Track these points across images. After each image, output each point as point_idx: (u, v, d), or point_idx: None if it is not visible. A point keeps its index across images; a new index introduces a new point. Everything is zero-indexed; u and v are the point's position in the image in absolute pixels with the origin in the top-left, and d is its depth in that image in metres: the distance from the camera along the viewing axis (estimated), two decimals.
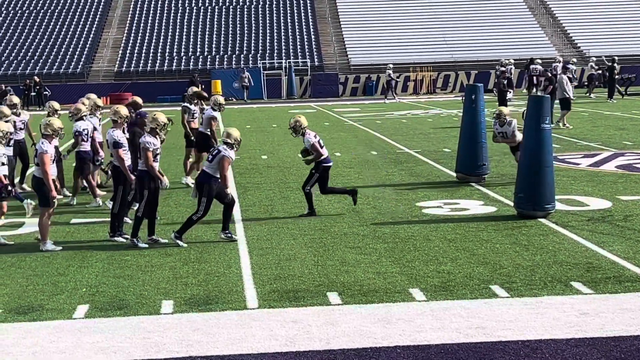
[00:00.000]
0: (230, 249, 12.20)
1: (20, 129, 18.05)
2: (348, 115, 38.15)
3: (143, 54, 59.44)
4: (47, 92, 51.22)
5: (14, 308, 9.68)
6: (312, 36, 61.26)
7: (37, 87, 50.20)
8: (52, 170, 12.61)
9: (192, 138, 18.29)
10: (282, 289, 10.11)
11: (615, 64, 42.30)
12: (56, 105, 17.44)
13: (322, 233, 13.13)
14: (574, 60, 45.97)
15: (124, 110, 13.42)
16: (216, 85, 53.97)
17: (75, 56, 59.06)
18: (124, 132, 13.83)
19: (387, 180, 18.28)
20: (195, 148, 18.19)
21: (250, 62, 57.95)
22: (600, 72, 46.40)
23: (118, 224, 13.01)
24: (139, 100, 17.07)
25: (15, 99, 18.63)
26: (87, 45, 60.38)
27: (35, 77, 51.92)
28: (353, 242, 12.47)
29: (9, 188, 12.81)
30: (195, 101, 18.89)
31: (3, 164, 12.79)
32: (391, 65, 51.04)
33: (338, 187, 15.65)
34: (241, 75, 53.68)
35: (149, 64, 58.15)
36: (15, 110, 17.99)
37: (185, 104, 18.68)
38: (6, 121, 15.53)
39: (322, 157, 14.57)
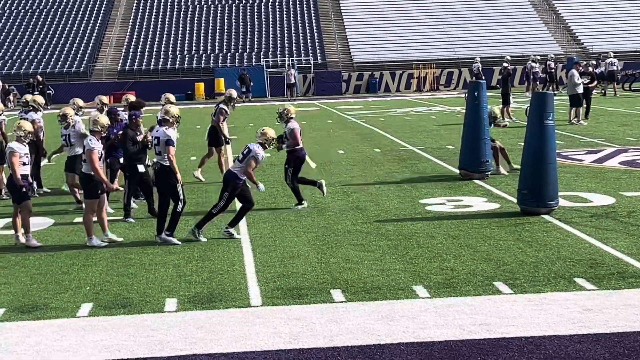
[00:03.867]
0: (234, 247, 12.21)
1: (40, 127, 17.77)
2: (351, 112, 38.15)
3: (146, 53, 59.48)
4: (50, 91, 51.22)
5: (18, 307, 9.69)
6: (315, 34, 61.25)
7: (40, 86, 50.21)
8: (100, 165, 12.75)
9: (227, 139, 18.59)
10: (286, 286, 10.11)
11: None
12: (80, 102, 17.47)
13: (325, 230, 13.14)
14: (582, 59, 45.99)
15: (174, 110, 13.24)
16: (219, 84, 53.98)
17: (79, 55, 59.10)
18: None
19: (390, 178, 18.27)
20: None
21: (254, 60, 57.96)
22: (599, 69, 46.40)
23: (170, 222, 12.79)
24: (131, 97, 17.18)
25: (40, 99, 18.27)
26: (90, 44, 60.43)
27: (39, 76, 51.95)
28: (356, 239, 12.47)
29: (30, 189, 12.88)
30: (232, 104, 18.61)
31: (24, 163, 12.81)
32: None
33: (308, 178, 15.52)
34: (287, 72, 52.59)
35: (152, 63, 58.17)
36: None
37: (223, 106, 18.35)
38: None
39: (298, 147, 15.02)
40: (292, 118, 15.34)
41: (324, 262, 11.20)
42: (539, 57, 48.51)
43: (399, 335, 8.27)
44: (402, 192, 16.43)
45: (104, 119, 13.06)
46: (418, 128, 29.24)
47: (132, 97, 17.43)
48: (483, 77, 50.49)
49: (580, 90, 28.45)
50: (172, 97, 17.54)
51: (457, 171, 18.12)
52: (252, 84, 52.53)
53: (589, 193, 15.57)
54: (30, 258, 12.02)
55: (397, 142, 25.07)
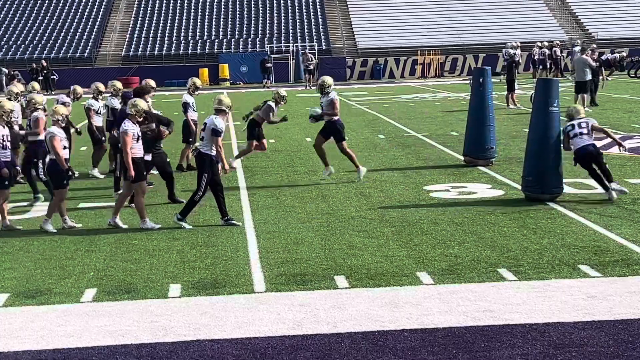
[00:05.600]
0: (238, 233, 12.21)
1: None
2: (355, 99, 38.10)
3: (150, 38, 59.39)
4: (54, 77, 51.20)
5: (22, 292, 9.71)
6: (320, 20, 61.11)
7: (45, 72, 50.17)
8: (135, 150, 12.75)
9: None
10: (290, 272, 10.11)
11: None
12: (101, 86, 17.96)
13: (329, 217, 13.13)
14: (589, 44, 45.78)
15: (227, 100, 13.20)
16: (223, 70, 53.88)
17: (83, 40, 59.03)
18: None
19: (394, 164, 18.25)
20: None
21: (258, 46, 57.85)
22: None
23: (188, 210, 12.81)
24: (151, 82, 17.08)
25: (79, 89, 18.28)
26: (95, 29, 60.34)
27: (43, 62, 51.89)
28: (360, 225, 12.46)
29: (70, 173, 12.95)
30: (282, 102, 17.91)
31: (64, 147, 12.83)
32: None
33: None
34: (304, 57, 51.02)
35: (157, 48, 58.10)
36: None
37: (271, 104, 17.60)
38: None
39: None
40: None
41: (327, 248, 11.20)
42: (546, 43, 48.34)
43: (402, 322, 8.27)
44: (406, 178, 16.41)
45: (143, 104, 13.06)
46: (422, 114, 29.18)
47: (151, 82, 17.32)
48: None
49: (589, 77, 28.14)
50: (198, 82, 18.13)
51: (462, 158, 18.09)
52: (272, 68, 52.32)
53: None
54: (34, 243, 12.03)
55: (401, 128, 25.03)
